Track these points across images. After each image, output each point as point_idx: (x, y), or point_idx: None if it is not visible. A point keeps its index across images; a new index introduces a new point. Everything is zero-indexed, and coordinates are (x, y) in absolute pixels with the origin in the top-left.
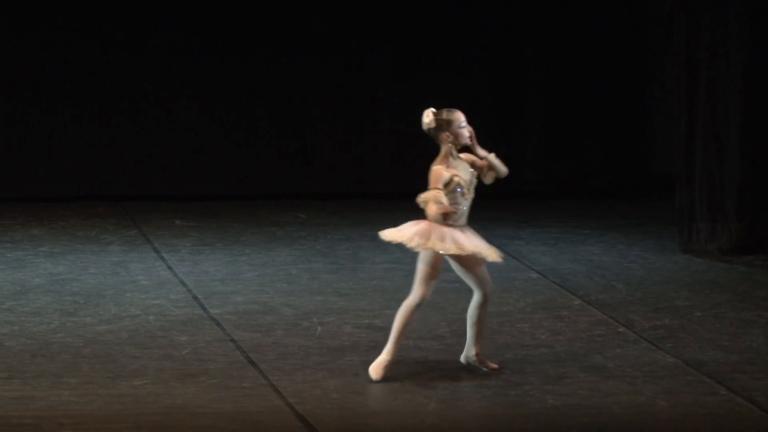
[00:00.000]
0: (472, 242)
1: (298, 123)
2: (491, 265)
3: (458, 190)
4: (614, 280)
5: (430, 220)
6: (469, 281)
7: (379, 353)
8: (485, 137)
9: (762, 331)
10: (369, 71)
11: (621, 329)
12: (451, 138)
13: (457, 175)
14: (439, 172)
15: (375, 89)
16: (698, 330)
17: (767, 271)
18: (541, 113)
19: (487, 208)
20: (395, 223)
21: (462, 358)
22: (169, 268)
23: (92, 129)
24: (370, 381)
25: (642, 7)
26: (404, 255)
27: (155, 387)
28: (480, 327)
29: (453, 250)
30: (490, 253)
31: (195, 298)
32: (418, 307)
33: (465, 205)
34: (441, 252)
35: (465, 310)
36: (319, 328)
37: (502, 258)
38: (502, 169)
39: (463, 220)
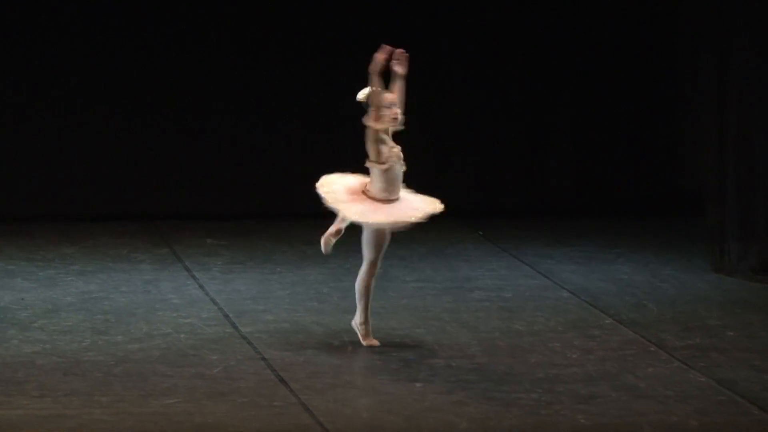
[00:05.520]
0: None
1: (329, 142)
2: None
3: None
4: (645, 299)
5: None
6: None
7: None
8: (515, 154)
9: None
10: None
11: (652, 348)
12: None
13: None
14: None
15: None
16: (730, 349)
17: None
18: (571, 131)
19: (518, 227)
20: (425, 243)
21: (352, 323)
22: (201, 286)
23: (124, 148)
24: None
25: (673, 23)
26: (435, 274)
27: (186, 405)
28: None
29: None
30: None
31: (226, 316)
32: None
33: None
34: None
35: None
36: (350, 347)
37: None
38: None
39: (397, 194)
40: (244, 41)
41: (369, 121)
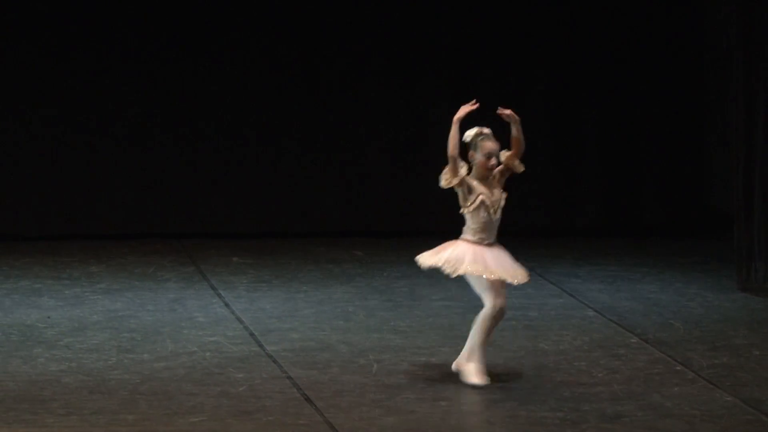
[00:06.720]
0: (500, 264)
1: (355, 160)
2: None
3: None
4: (672, 318)
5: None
6: (484, 294)
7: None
8: (542, 173)
9: None
10: (423, 106)
11: (679, 368)
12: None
13: (482, 194)
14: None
15: (430, 124)
16: (757, 369)
17: None
18: (597, 150)
19: (545, 246)
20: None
21: (453, 365)
22: (226, 305)
23: (150, 167)
24: (477, 386)
25: (701, 41)
26: (462, 292)
27: (212, 424)
28: (481, 338)
29: (482, 273)
30: (516, 275)
31: (252, 335)
32: (494, 316)
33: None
34: (472, 274)
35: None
36: (376, 365)
37: (528, 278)
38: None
39: (492, 238)
40: (268, 62)
41: (445, 175)
